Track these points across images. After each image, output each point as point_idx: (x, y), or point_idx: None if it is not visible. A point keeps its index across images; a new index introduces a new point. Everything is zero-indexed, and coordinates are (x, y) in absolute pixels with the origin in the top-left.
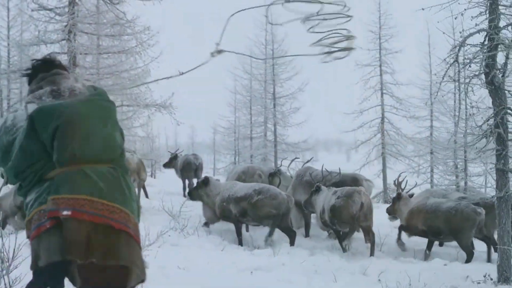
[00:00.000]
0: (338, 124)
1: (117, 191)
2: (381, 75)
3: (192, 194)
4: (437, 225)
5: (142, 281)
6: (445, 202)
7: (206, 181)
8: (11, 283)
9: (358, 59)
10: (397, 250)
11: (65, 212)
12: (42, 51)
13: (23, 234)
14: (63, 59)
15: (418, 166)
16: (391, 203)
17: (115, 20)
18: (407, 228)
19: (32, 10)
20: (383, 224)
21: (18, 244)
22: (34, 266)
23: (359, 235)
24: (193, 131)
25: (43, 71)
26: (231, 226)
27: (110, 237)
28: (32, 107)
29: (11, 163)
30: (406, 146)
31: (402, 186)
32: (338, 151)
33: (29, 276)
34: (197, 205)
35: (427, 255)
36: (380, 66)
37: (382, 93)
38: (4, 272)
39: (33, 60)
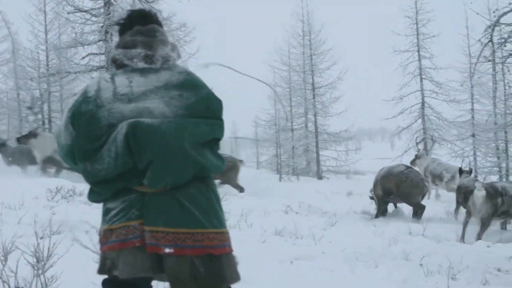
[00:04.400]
0: (379, 111)
1: (212, 214)
2: (419, 60)
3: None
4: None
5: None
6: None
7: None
8: (47, 281)
9: (396, 45)
10: (440, 234)
11: (167, 250)
12: (80, 53)
13: (61, 236)
14: (101, 59)
15: (462, 150)
16: None
17: None
18: None
19: (68, 13)
20: (427, 210)
21: (53, 243)
22: (107, 273)
23: (400, 221)
24: (235, 126)
25: (139, 24)
26: (274, 219)
27: (215, 265)
28: (122, 82)
29: (100, 169)
30: (448, 130)
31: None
32: (382, 139)
33: (66, 274)
34: (237, 200)
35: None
36: (418, 51)
37: (421, 78)
38: (40, 271)
39: (129, 10)
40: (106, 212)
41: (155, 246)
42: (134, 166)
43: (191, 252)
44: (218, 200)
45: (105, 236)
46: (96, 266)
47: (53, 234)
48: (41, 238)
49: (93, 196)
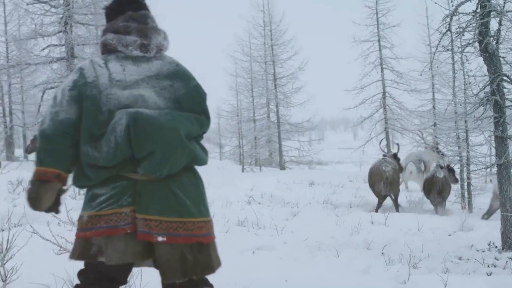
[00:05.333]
0: (341, 101)
1: (201, 203)
2: (380, 50)
3: None
4: None
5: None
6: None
7: None
8: (6, 273)
9: (356, 35)
10: (401, 224)
11: (160, 239)
12: (40, 45)
13: (22, 228)
14: (61, 50)
15: (424, 139)
16: None
17: None
18: None
19: (28, 4)
20: (388, 199)
21: (12, 235)
22: (90, 259)
23: (363, 211)
24: None
25: (130, 9)
26: (236, 210)
27: (203, 253)
28: (116, 68)
29: (98, 157)
30: (410, 120)
31: None
32: (345, 129)
33: (25, 266)
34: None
35: None
36: (379, 41)
37: (382, 68)
38: (0, 263)
39: None
40: (92, 198)
41: (147, 234)
42: (131, 154)
43: (182, 240)
44: (204, 188)
45: (90, 222)
46: (57, 257)
47: (14, 226)
48: (2, 230)
49: (82, 181)
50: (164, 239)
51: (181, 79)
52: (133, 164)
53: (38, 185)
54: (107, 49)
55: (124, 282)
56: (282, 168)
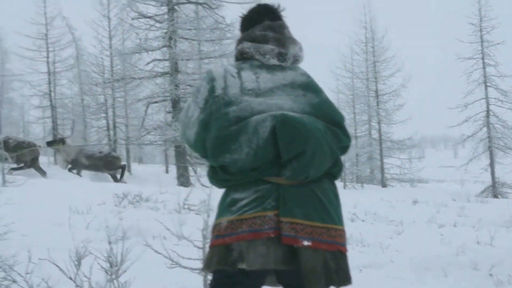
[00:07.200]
0: (442, 119)
1: (339, 212)
2: (484, 67)
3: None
4: None
5: None
6: None
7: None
8: (120, 287)
9: (460, 52)
10: (508, 243)
11: (306, 243)
12: (144, 59)
13: (130, 241)
14: (165, 65)
15: None
16: None
17: (215, 25)
18: None
19: (133, 19)
20: (494, 219)
21: (126, 248)
22: (230, 266)
23: (467, 230)
24: None
25: (268, 18)
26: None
27: (343, 262)
28: (249, 77)
29: (237, 159)
30: None
31: None
32: (445, 147)
33: (139, 280)
34: None
35: None
36: (483, 58)
37: (486, 86)
38: (114, 276)
39: (257, 4)
40: (232, 203)
41: (293, 238)
42: (274, 157)
43: (326, 247)
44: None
45: (230, 227)
46: (168, 271)
47: (121, 239)
48: (110, 243)
49: (222, 184)
50: (310, 243)
51: (313, 91)
52: (276, 167)
53: None
54: (242, 58)
55: None
56: (384, 185)
